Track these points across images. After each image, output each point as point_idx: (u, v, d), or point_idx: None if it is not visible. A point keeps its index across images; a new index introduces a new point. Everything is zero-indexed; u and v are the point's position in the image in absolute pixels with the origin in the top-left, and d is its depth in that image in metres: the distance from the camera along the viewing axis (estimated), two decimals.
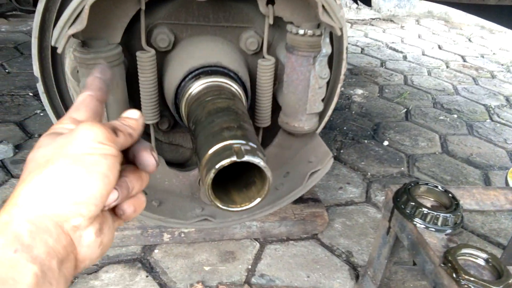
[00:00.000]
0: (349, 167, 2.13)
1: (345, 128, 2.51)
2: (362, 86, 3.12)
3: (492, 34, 4.86)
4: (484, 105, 2.98)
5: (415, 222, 1.09)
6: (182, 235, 1.42)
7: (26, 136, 2.10)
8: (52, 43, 0.78)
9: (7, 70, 2.82)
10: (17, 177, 1.79)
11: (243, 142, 0.69)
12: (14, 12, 4.00)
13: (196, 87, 0.94)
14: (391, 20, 5.20)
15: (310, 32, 0.95)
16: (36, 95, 2.49)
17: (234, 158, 0.66)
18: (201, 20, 1.07)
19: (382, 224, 1.30)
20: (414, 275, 1.35)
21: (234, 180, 0.74)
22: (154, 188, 1.07)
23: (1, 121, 2.20)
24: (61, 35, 0.78)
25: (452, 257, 0.94)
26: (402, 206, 1.14)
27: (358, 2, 2.80)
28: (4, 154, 1.90)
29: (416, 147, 2.36)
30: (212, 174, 0.65)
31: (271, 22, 1.03)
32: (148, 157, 0.49)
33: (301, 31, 0.96)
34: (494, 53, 4.18)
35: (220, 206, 0.69)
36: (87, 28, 0.79)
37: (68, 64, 0.88)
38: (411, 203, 1.11)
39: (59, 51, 0.78)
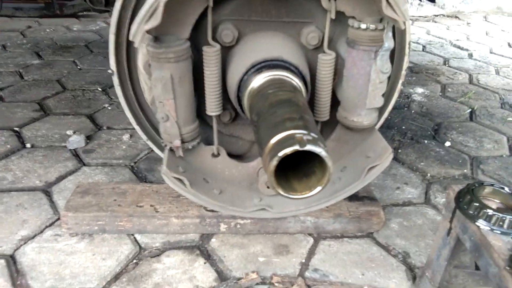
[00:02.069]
0: (407, 167, 2.07)
1: (403, 127, 2.44)
2: (422, 85, 3.01)
3: None
4: None
5: (478, 224, 1.05)
6: (238, 226, 1.47)
7: (96, 128, 2.26)
8: (130, 38, 0.86)
9: (78, 67, 3.04)
10: (88, 165, 1.94)
11: (305, 132, 0.72)
12: (85, 13, 4.29)
13: (259, 80, 0.97)
14: (456, 17, 4.95)
15: (372, 26, 0.95)
16: (104, 90, 2.67)
17: (296, 147, 0.68)
18: (264, 16, 1.11)
19: (442, 225, 1.26)
20: (476, 280, 1.29)
21: (295, 169, 0.76)
22: (215, 177, 1.12)
23: (74, 114, 2.39)
24: (138, 30, 0.85)
25: None
26: (465, 206, 1.10)
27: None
28: (77, 144, 2.06)
29: (481, 149, 2.24)
30: (275, 162, 0.68)
31: (333, 17, 1.04)
32: None
33: (363, 26, 0.96)
34: None
35: (282, 193, 0.71)
36: (160, 24, 0.85)
37: (141, 58, 0.95)
38: (475, 204, 1.07)
39: (136, 45, 0.85)
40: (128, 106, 1.13)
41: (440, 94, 2.89)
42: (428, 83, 3.06)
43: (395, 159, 2.12)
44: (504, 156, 2.19)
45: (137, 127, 1.15)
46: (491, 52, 3.76)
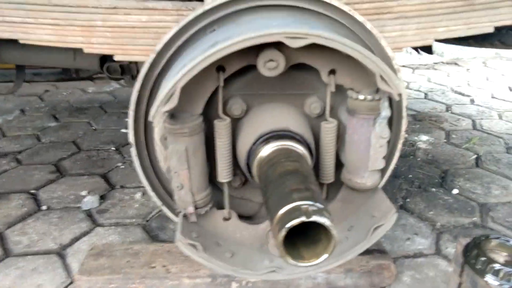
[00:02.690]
0: (417, 216, 2.08)
1: (410, 176, 2.46)
2: (427, 132, 3.07)
3: None
4: None
5: (487, 279, 1.07)
6: (250, 284, 1.48)
7: (109, 187, 2.32)
8: (149, 119, 0.95)
9: (93, 127, 3.17)
10: (102, 225, 1.99)
11: (311, 203, 0.77)
12: (99, 75, 4.51)
13: (267, 150, 1.05)
14: (455, 63, 5.09)
15: (369, 97, 1.04)
16: (117, 149, 2.77)
17: (303, 218, 0.74)
18: (270, 89, 1.20)
19: (453, 279, 1.27)
20: None
21: (303, 236, 0.81)
22: (227, 240, 1.17)
23: (89, 174, 2.47)
24: (157, 112, 0.95)
25: None
26: (473, 261, 1.12)
27: (419, 51, 2.83)
28: (91, 204, 2.12)
29: (489, 196, 2.25)
30: (283, 232, 0.74)
31: (333, 90, 1.14)
32: None
33: (361, 97, 1.05)
34: None
35: (291, 262, 0.76)
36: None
37: (157, 132, 1.04)
38: (482, 258, 1.09)
39: (155, 125, 0.94)
40: (145, 174, 1.20)
41: (445, 140, 2.94)
42: (432, 130, 3.11)
43: (404, 208, 2.13)
44: None
45: (152, 194, 1.22)
46: (492, 97, 3.83)
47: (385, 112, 1.04)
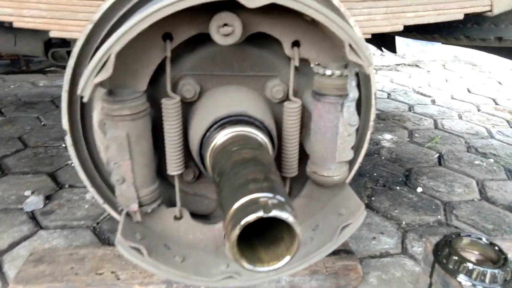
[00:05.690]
0: (382, 215, 2.03)
1: (375, 174, 2.43)
2: (390, 131, 3.06)
3: None
4: None
5: (459, 279, 1.00)
6: None
7: (57, 187, 2.13)
8: (78, 92, 0.79)
9: (42, 123, 2.94)
10: (46, 228, 1.80)
11: (270, 195, 0.66)
12: (52, 68, 4.25)
13: (221, 137, 0.92)
14: (417, 65, 5.19)
15: (337, 72, 0.92)
16: None
17: (260, 214, 0.62)
18: (226, 70, 1.07)
19: (422, 280, 1.20)
20: None
21: (261, 235, 0.69)
22: (178, 242, 1.03)
23: (34, 172, 2.26)
24: (87, 84, 0.79)
25: None
26: (444, 260, 1.05)
27: (383, 49, 2.82)
28: (34, 205, 1.93)
29: (453, 194, 2.24)
30: (237, 231, 0.61)
31: (297, 64, 1.02)
32: None
33: (328, 72, 0.94)
34: None
35: (246, 266, 0.64)
36: (113, 76, 0.79)
37: (96, 116, 0.89)
38: (454, 257, 1.03)
39: (85, 99, 0.78)
40: (83, 167, 1.05)
41: (408, 139, 2.94)
42: (396, 129, 3.11)
43: (370, 207, 2.09)
44: (475, 200, 2.20)
45: (92, 189, 1.07)
46: (452, 98, 3.91)
47: (353, 93, 0.94)
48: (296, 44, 1.01)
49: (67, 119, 0.98)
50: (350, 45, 0.86)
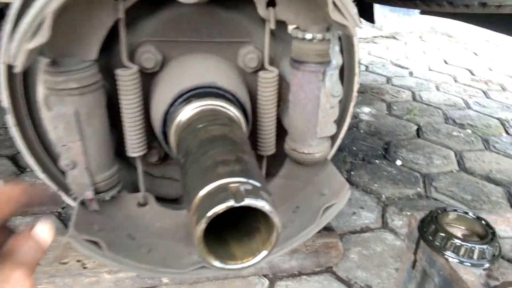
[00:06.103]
0: (362, 190, 1.99)
1: (354, 148, 2.38)
2: (369, 104, 3.01)
3: (497, 48, 4.77)
4: (498, 118, 2.85)
5: (446, 256, 0.95)
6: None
7: (18, 171, 1.99)
8: (7, 60, 0.65)
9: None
10: None
11: (243, 180, 0.56)
12: None
13: (187, 111, 0.81)
14: (394, 37, 5.13)
15: (319, 36, 0.81)
16: None
17: (231, 203, 0.52)
18: (193, 36, 0.95)
19: (406, 257, 1.15)
20: None
21: (234, 227, 0.60)
22: (143, 231, 0.92)
23: None
24: (20, 51, 0.64)
25: None
26: (430, 237, 1.00)
27: (361, 19, 2.72)
28: None
29: (431, 166, 2.22)
30: (203, 225, 0.51)
31: (273, 27, 0.90)
32: None
33: (309, 36, 0.82)
34: (502, 66, 4.07)
35: (216, 264, 0.54)
36: (55, 42, 0.66)
37: (41, 90, 0.77)
38: (441, 233, 0.97)
39: (17, 70, 0.65)
40: (30, 149, 0.92)
41: (387, 112, 2.90)
42: (374, 102, 3.06)
43: (349, 182, 2.04)
44: (454, 171, 2.18)
45: (42, 176, 0.95)
46: (429, 70, 3.88)
47: (336, 60, 0.84)
48: (271, 3, 0.90)
49: (8, 95, 0.84)
50: (333, 3, 0.75)
